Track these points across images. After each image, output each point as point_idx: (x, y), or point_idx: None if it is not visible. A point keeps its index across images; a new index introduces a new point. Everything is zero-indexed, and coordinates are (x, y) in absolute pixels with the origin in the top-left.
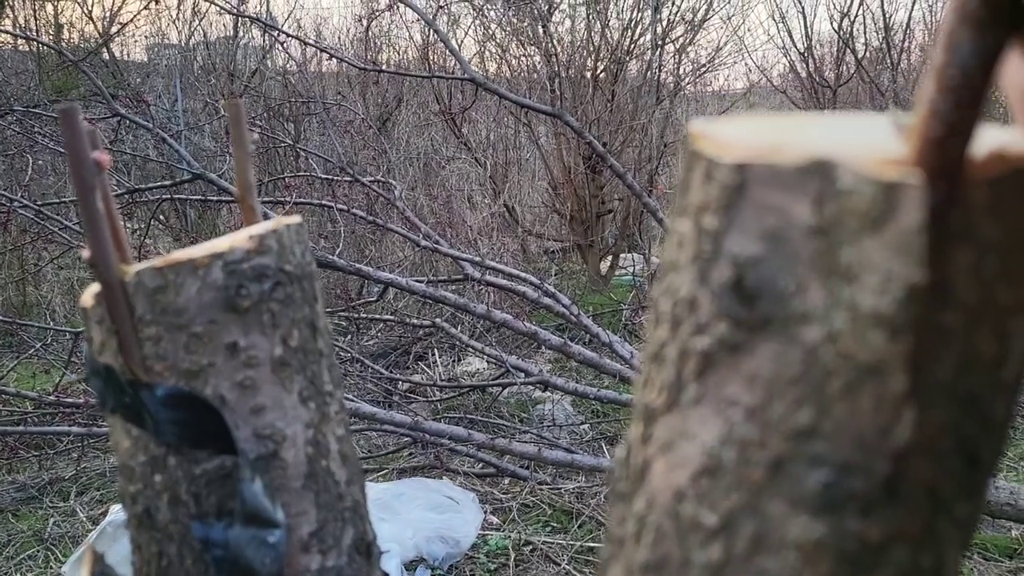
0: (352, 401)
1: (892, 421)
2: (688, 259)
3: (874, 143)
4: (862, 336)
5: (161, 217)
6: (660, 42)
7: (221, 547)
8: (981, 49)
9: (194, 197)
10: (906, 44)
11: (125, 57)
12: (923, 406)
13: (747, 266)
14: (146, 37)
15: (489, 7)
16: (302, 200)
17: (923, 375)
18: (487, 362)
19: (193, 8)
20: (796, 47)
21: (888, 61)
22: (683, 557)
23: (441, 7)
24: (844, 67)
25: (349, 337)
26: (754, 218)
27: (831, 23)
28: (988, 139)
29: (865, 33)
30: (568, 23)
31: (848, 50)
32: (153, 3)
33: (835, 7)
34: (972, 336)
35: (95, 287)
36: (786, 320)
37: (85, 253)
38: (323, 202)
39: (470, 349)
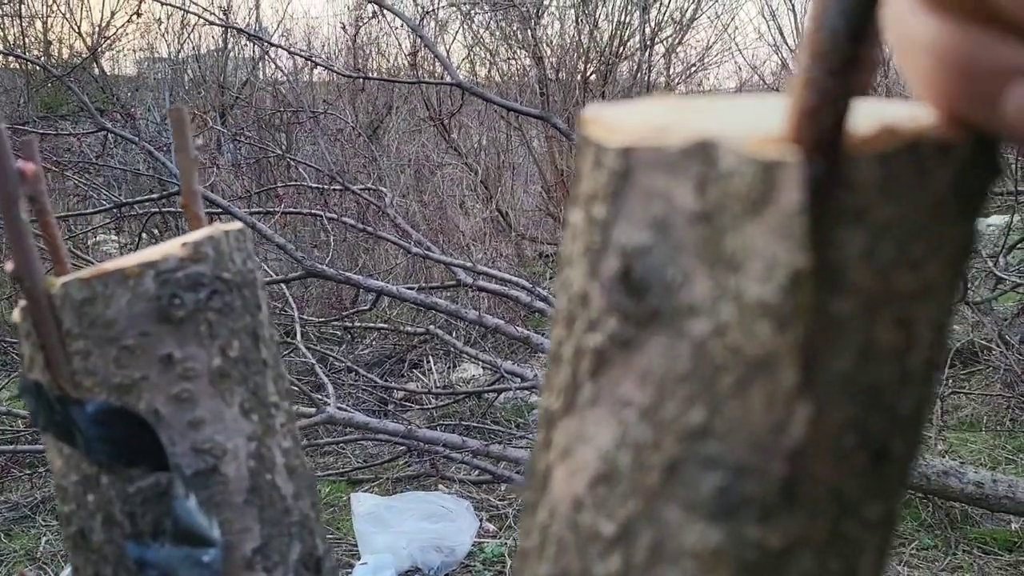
0: (346, 411)
1: (785, 418)
2: (580, 252)
3: (765, 122)
4: (749, 328)
5: (155, 231)
6: (649, 43)
7: (156, 567)
8: (848, 8)
9: (182, 210)
10: None
11: (115, 72)
12: (819, 401)
13: (634, 256)
14: (136, 52)
15: (476, 11)
16: (291, 210)
17: (817, 368)
18: (482, 368)
19: (182, 21)
20: (787, 44)
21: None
22: (583, 569)
23: (428, 13)
24: None
25: (344, 346)
26: (640, 206)
27: None
28: (881, 113)
29: None
30: (557, 25)
31: None
32: (136, 16)
33: None
34: (871, 325)
35: (23, 301)
36: (674, 313)
37: (8, 265)
38: (312, 211)
39: (465, 355)
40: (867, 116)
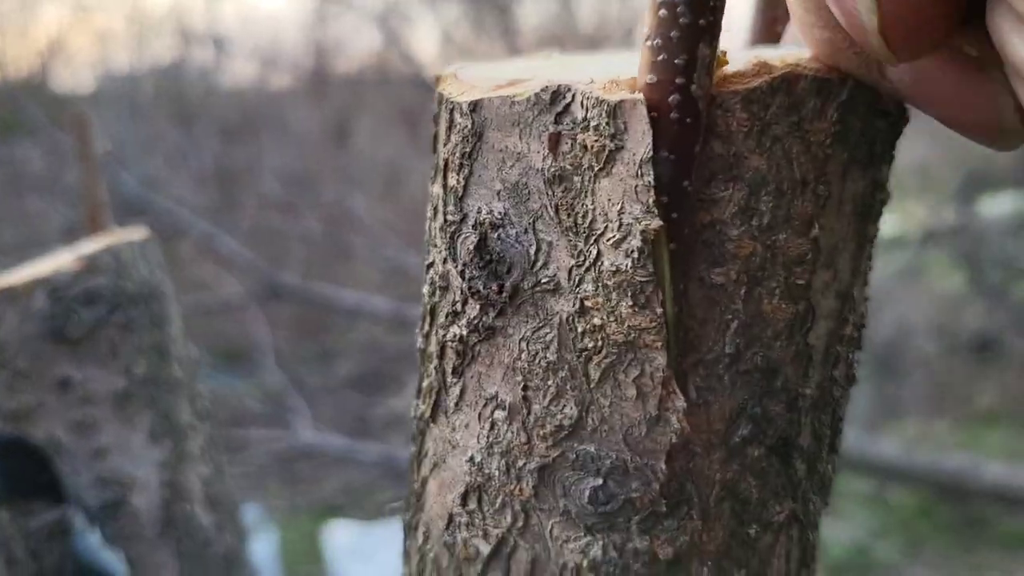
0: (323, 433)
1: (661, 409)
2: (438, 229)
3: (624, 69)
4: (610, 304)
5: None
6: (631, 30)
7: None
8: None
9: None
10: None
11: (72, 88)
12: (699, 389)
13: (490, 229)
14: (93, 67)
15: (446, 1)
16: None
17: (694, 351)
18: None
19: (139, 33)
20: None
21: None
22: None
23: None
24: None
25: (320, 365)
26: (495, 169)
27: None
28: (761, 53)
29: None
30: (533, 17)
31: None
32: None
33: None
34: (755, 296)
35: None
36: (535, 293)
37: None
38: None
39: None
40: (745, 56)
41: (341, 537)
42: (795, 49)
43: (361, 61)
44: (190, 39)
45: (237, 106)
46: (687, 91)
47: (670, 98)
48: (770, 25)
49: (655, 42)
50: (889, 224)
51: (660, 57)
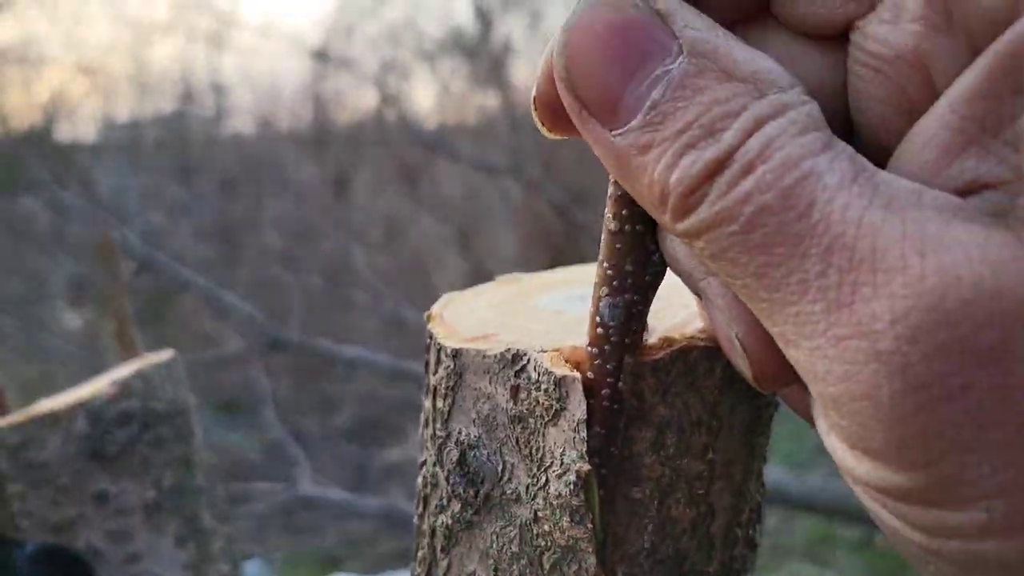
0: (322, 486)
1: None
2: (429, 438)
3: (580, 326)
4: (556, 518)
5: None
6: None
7: None
8: (619, 305)
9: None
10: None
11: (74, 140)
12: (625, 574)
13: (468, 448)
14: (95, 119)
15: (442, 57)
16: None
17: (620, 547)
18: None
19: (141, 85)
20: None
21: None
22: None
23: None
24: None
25: (320, 415)
26: (471, 402)
27: None
28: (671, 322)
29: None
30: (527, 69)
31: None
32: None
33: None
34: (666, 505)
35: None
36: (503, 500)
37: None
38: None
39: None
40: (656, 331)
41: None
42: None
43: (360, 114)
44: (191, 91)
45: (237, 158)
46: (615, 388)
47: (603, 391)
48: None
49: (593, 350)
50: None
51: (596, 361)
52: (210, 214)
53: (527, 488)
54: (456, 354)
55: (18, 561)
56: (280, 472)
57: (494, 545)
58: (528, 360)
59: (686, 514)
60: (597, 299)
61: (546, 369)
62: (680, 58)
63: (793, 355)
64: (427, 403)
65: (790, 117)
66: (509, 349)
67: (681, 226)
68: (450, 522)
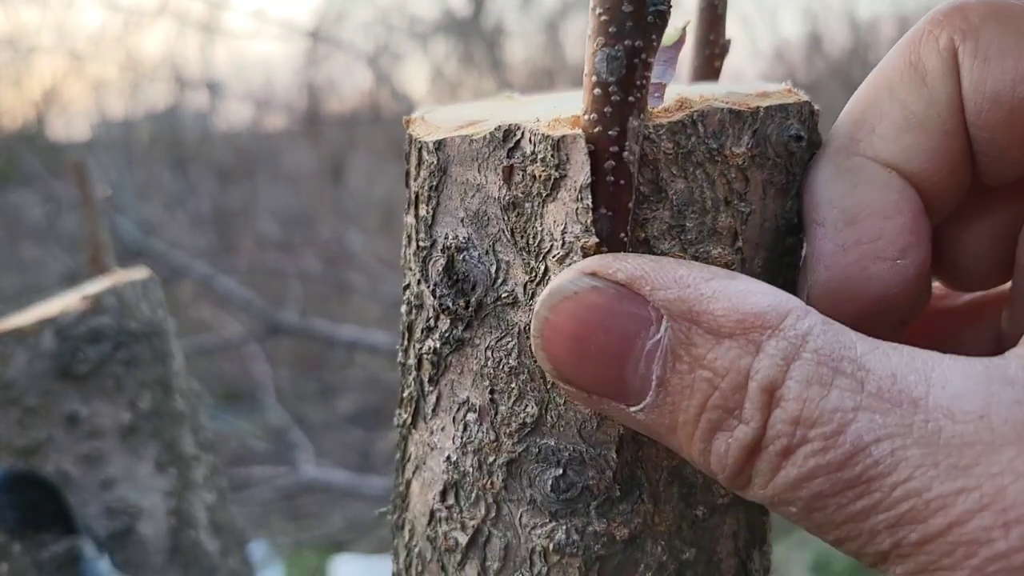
0: (326, 468)
1: None
2: (412, 254)
3: (568, 109)
4: None
5: None
6: None
7: None
8: (618, 55)
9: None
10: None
11: (68, 136)
12: None
13: (456, 252)
14: (88, 115)
15: (435, 39)
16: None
17: None
18: None
19: (134, 80)
20: (762, 52)
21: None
22: None
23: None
24: (817, 64)
25: (321, 402)
26: (458, 199)
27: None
28: (690, 89)
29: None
30: (522, 50)
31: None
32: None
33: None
34: None
35: None
36: (497, 306)
37: None
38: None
39: None
40: (669, 94)
41: (348, 571)
42: (720, 86)
43: (353, 100)
44: (184, 84)
45: (232, 148)
46: (620, 158)
47: (606, 163)
48: (709, 62)
49: (591, 115)
50: None
51: (596, 128)
52: (206, 203)
53: (524, 287)
54: (439, 146)
55: None
56: (282, 457)
57: (489, 363)
58: (522, 134)
59: None
60: (592, 54)
61: (543, 135)
62: (663, 325)
63: None
64: (408, 218)
65: (799, 369)
66: (500, 126)
67: (746, 496)
68: (438, 345)
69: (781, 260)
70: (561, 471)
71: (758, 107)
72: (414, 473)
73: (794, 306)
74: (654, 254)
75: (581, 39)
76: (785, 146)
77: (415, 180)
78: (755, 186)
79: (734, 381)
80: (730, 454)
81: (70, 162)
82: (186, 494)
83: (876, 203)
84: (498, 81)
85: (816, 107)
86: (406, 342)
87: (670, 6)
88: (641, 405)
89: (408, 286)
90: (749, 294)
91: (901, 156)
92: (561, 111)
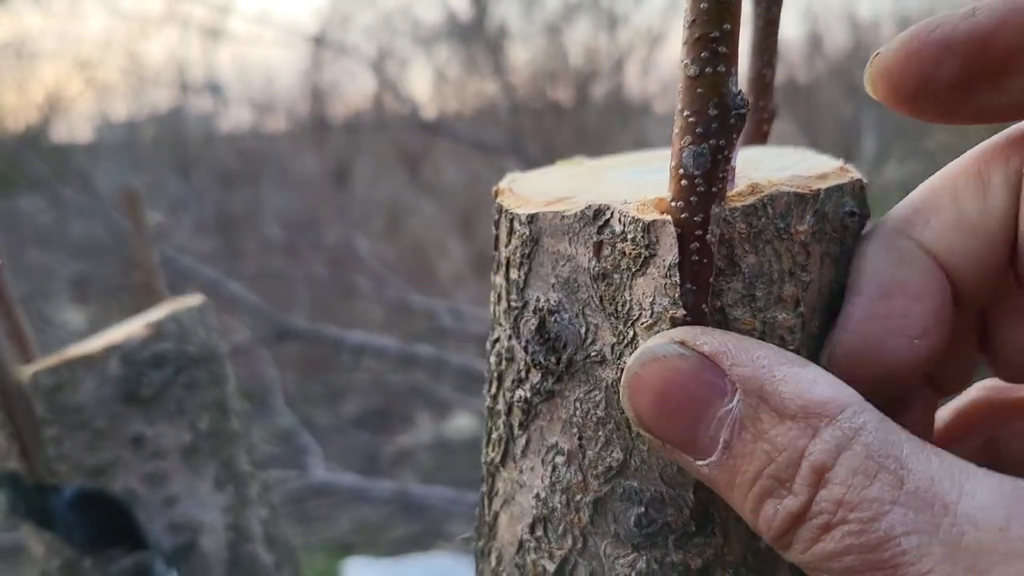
0: (333, 472)
1: None
2: (503, 312)
3: (652, 189)
4: None
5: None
6: (622, 62)
7: None
8: (704, 153)
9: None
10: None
11: (71, 139)
12: None
13: (548, 314)
14: (91, 118)
15: (438, 43)
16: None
17: None
18: (474, 416)
19: (137, 83)
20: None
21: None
22: None
23: (387, 53)
24: (817, 64)
25: (328, 405)
26: (550, 267)
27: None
28: (759, 166)
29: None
30: (524, 53)
31: (817, 51)
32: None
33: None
34: None
35: None
36: (586, 363)
37: None
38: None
39: (455, 404)
40: (748, 171)
41: (359, 574)
42: (779, 161)
43: (357, 104)
44: (188, 88)
45: (236, 152)
46: (703, 240)
47: (691, 245)
48: (758, 127)
49: (678, 203)
50: None
51: (683, 215)
52: (210, 207)
53: (612, 347)
54: (532, 219)
55: (57, 506)
56: (291, 461)
57: (578, 412)
58: (612, 214)
59: None
60: (679, 150)
61: (632, 217)
62: (736, 397)
63: None
64: (497, 279)
65: (848, 458)
66: (590, 206)
67: (786, 557)
68: (529, 395)
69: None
70: (643, 509)
71: (819, 189)
72: (502, 506)
73: (853, 401)
74: (729, 320)
75: (584, 42)
76: (841, 221)
77: (506, 246)
78: (815, 258)
79: (790, 457)
80: (777, 518)
81: (122, 190)
82: (243, 510)
83: (912, 284)
84: (502, 84)
85: (865, 182)
86: (495, 389)
87: (749, 109)
88: (707, 461)
89: (498, 340)
90: (815, 383)
91: (946, 250)
92: (641, 187)
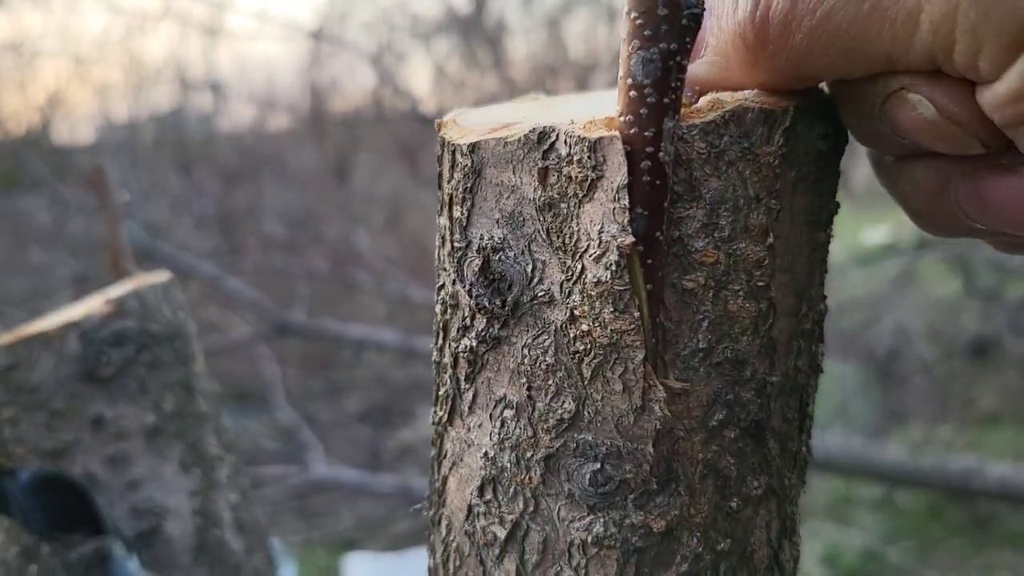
0: (335, 468)
1: (645, 400)
2: (447, 255)
3: (601, 110)
4: (596, 312)
5: None
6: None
7: None
8: (653, 58)
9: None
10: None
11: (72, 140)
12: (677, 379)
13: (492, 252)
14: (92, 119)
15: (437, 38)
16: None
17: (672, 347)
18: None
19: (137, 83)
20: None
21: None
22: None
23: (386, 47)
24: None
25: (329, 401)
26: (493, 201)
27: None
28: (722, 94)
29: None
30: (524, 47)
31: None
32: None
33: None
34: (722, 298)
35: None
36: (533, 305)
37: None
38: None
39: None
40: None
41: (361, 569)
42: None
43: (357, 99)
44: (188, 86)
45: (236, 149)
46: (656, 158)
47: (642, 164)
48: None
49: (627, 117)
50: (883, 232)
51: (632, 130)
52: (211, 204)
53: (561, 286)
54: (473, 149)
55: (13, 490)
56: (293, 457)
57: (526, 360)
58: (557, 135)
59: (746, 310)
60: (627, 57)
61: (579, 137)
62: None
63: None
64: (442, 219)
65: None
66: (535, 128)
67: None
68: (474, 343)
69: (812, 256)
70: (599, 465)
71: (788, 105)
72: (451, 469)
73: None
74: (689, 252)
75: (583, 35)
76: (814, 144)
77: (448, 182)
78: (786, 183)
79: None
80: None
81: (88, 167)
82: (210, 494)
83: None
84: (501, 78)
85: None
86: (441, 341)
87: (703, 9)
88: None
89: (443, 286)
90: None
91: None
92: (592, 113)
